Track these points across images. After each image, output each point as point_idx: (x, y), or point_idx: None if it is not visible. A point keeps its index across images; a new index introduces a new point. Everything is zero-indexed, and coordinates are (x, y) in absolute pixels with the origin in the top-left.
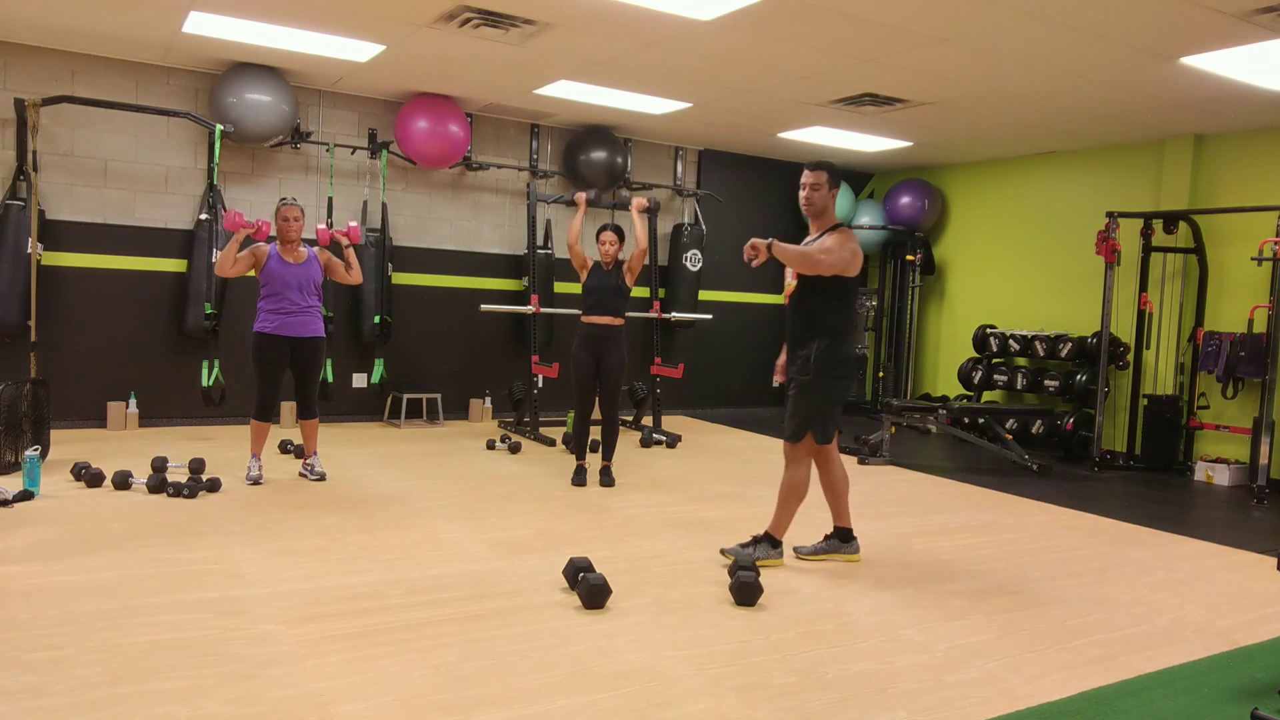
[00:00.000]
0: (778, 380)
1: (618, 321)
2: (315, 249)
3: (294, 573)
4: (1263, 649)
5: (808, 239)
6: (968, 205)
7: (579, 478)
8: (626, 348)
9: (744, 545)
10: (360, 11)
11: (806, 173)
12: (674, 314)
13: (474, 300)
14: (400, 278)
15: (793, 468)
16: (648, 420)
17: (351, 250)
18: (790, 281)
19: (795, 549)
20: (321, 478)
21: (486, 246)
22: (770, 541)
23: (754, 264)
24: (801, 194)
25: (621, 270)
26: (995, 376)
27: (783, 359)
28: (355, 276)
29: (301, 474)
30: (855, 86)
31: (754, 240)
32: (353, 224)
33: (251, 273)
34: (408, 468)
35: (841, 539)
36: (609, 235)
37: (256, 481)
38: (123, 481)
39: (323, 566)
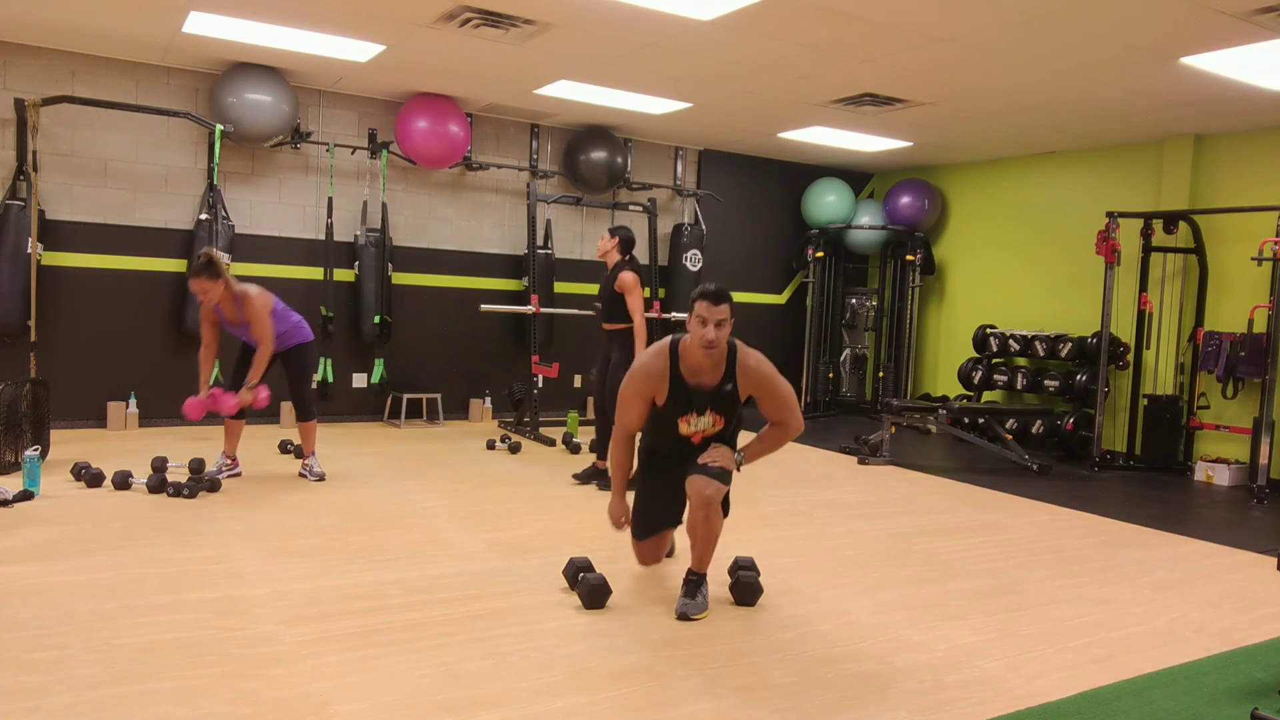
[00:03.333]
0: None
1: (611, 326)
2: (240, 294)
3: (294, 573)
4: (1263, 649)
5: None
6: (968, 205)
7: (585, 476)
8: (626, 350)
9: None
10: (360, 11)
11: (718, 307)
12: (674, 314)
13: (474, 300)
14: (400, 278)
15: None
16: None
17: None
18: (714, 428)
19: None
20: (321, 478)
21: (486, 246)
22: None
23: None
24: (710, 333)
25: (616, 276)
26: (995, 376)
27: (619, 506)
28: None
29: (301, 474)
30: (855, 86)
31: (713, 455)
32: (263, 394)
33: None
34: (408, 468)
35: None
36: (602, 236)
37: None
38: (123, 481)
39: (323, 566)
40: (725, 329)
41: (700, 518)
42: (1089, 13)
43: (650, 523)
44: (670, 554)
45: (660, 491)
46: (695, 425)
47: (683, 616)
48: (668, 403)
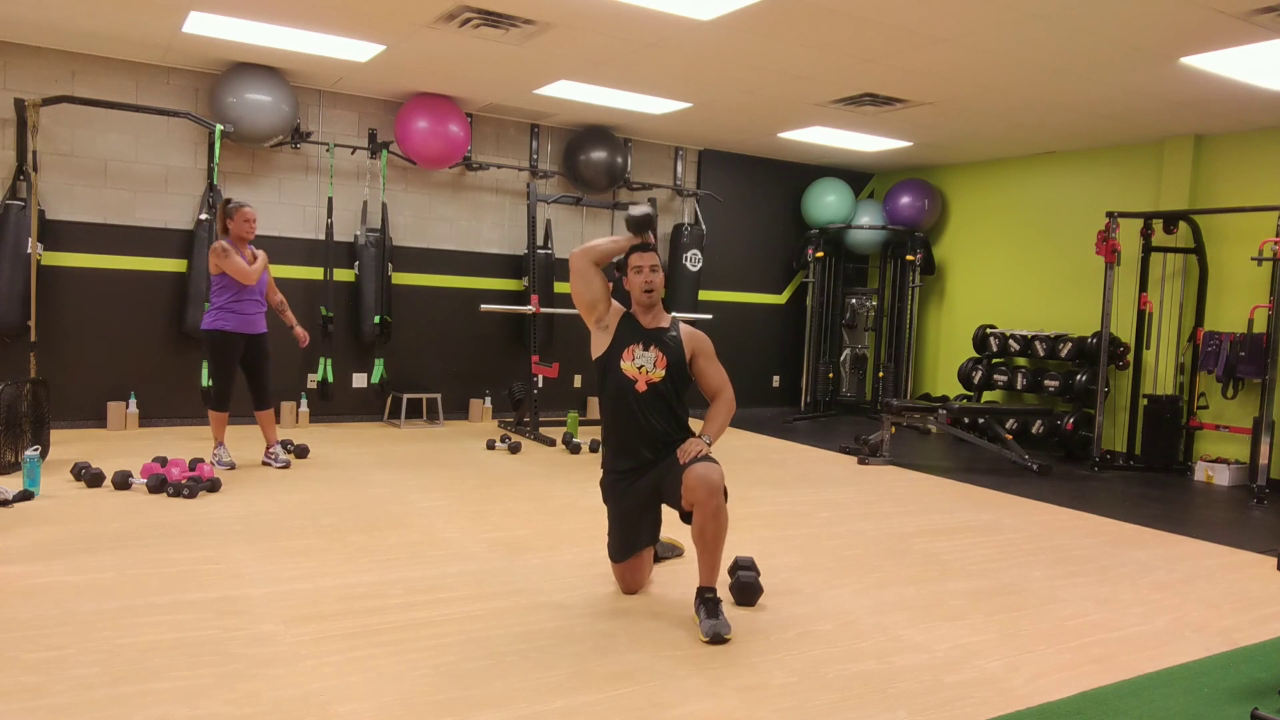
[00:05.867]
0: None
1: None
2: (253, 247)
3: (294, 573)
4: (1263, 649)
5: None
6: (968, 205)
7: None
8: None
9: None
10: (360, 11)
11: (646, 254)
12: (674, 314)
13: (474, 300)
14: (400, 278)
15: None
16: None
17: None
18: (657, 370)
19: None
20: (286, 465)
21: (486, 246)
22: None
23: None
24: (646, 275)
25: None
26: (995, 376)
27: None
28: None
29: (265, 462)
30: (855, 86)
31: (691, 449)
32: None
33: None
34: (408, 468)
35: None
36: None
37: (231, 466)
38: (123, 481)
39: (323, 566)
40: (659, 275)
41: (710, 511)
42: (1089, 13)
43: (626, 542)
44: (680, 554)
45: (630, 510)
46: (638, 360)
47: (716, 637)
48: (615, 337)
